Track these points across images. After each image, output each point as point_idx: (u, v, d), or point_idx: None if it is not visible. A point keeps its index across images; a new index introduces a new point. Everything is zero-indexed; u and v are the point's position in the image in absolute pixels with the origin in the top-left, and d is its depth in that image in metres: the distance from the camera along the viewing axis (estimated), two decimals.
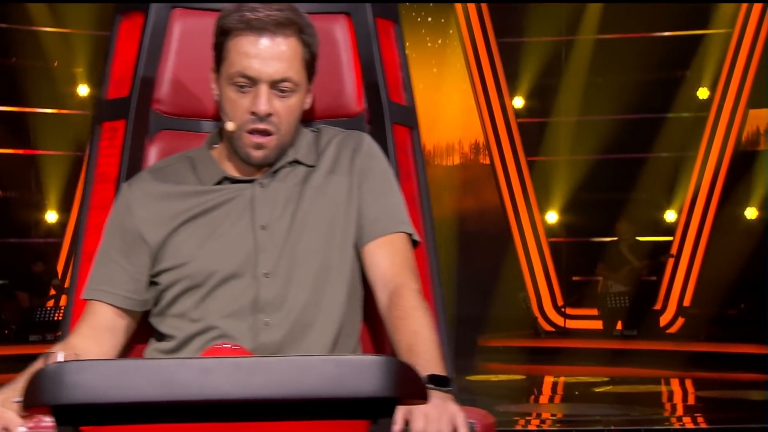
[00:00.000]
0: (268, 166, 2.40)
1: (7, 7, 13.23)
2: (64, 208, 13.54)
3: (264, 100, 2.31)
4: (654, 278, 13.46)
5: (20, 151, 13.72)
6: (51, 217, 13.87)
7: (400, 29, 2.74)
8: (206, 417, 1.67)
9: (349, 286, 2.39)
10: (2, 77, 13.44)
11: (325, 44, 2.54)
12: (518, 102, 14.42)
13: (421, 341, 2.27)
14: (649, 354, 11.74)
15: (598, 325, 13.09)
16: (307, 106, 2.42)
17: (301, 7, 2.39)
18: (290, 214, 2.37)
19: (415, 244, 2.47)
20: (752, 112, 13.53)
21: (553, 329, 13.56)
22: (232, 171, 2.41)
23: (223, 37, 2.34)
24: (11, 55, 13.63)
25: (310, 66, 2.38)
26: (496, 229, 14.27)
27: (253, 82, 2.31)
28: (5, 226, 13.43)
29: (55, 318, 11.99)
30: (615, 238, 13.53)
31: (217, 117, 2.48)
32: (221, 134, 2.45)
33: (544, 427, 7.17)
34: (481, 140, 14.70)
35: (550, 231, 14.26)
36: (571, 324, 13.61)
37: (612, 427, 7.18)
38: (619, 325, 12.78)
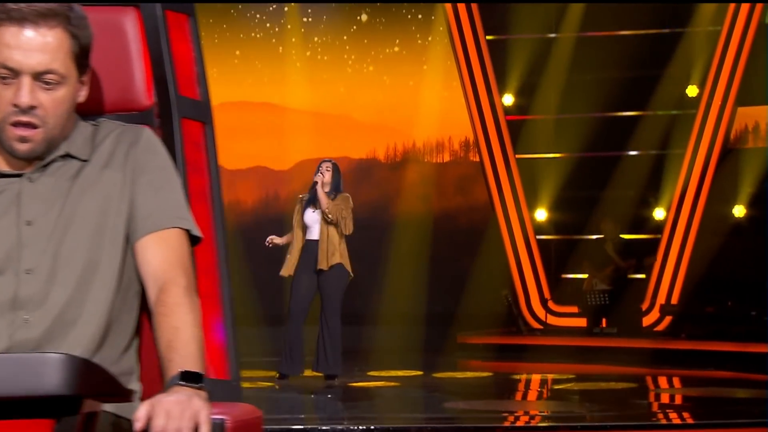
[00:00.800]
0: (39, 160, 2.37)
1: None
2: None
3: (26, 92, 2.29)
4: (643, 276, 13.42)
5: None
6: None
7: (196, 23, 2.71)
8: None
9: (118, 283, 2.36)
10: None
11: (113, 37, 2.53)
12: (508, 99, 14.38)
13: (180, 337, 2.25)
14: (627, 352, 11.72)
15: (582, 322, 13.06)
16: (81, 99, 2.40)
17: None
18: (58, 209, 2.34)
19: (196, 240, 2.45)
20: (740, 109, 13.46)
21: (541, 327, 13.53)
22: (1, 165, 2.39)
23: None
24: None
25: (80, 58, 2.35)
26: (485, 226, 14.25)
27: (15, 73, 2.29)
28: None
29: None
30: (600, 236, 13.50)
31: None
32: None
33: (487, 423, 7.16)
34: (471, 137, 14.67)
35: (539, 228, 14.23)
36: (557, 321, 13.58)
37: (570, 424, 7.17)
38: (602, 323, 12.76)
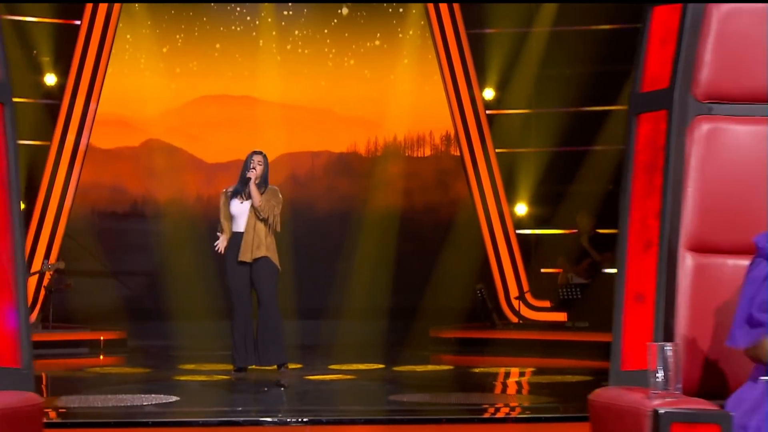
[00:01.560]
0: None
1: None
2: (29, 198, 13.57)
3: None
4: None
5: None
6: None
7: None
8: None
9: None
10: None
11: None
12: (489, 93, 14.36)
13: None
14: (599, 346, 11.65)
15: (560, 317, 13.03)
16: None
17: None
18: None
19: None
20: None
21: (519, 321, 13.49)
22: None
23: None
24: None
25: None
26: (465, 220, 14.24)
27: None
28: None
29: None
30: (575, 230, 13.47)
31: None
32: None
33: (422, 416, 7.14)
34: (452, 131, 14.64)
35: (518, 223, 14.20)
36: (534, 315, 13.55)
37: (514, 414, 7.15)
38: (574, 317, 12.75)
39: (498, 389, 9.47)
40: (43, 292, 12.71)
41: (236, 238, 9.06)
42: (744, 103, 2.82)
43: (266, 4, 14.84)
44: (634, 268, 2.86)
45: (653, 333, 2.80)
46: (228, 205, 9.18)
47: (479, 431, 6.83)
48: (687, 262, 2.83)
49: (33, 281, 12.75)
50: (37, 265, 12.75)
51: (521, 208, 14.25)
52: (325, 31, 14.99)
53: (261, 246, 8.97)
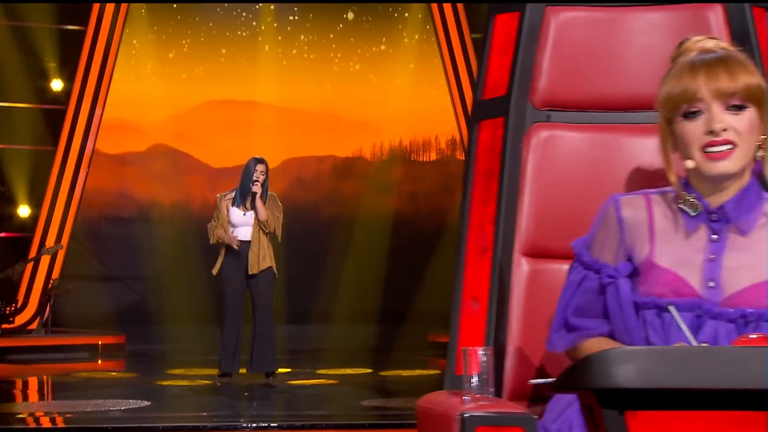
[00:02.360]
0: None
1: None
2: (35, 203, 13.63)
3: None
4: None
5: None
6: (23, 211, 13.95)
7: None
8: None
9: None
10: None
11: None
12: None
13: None
14: None
15: None
16: None
17: None
18: None
19: None
20: None
21: None
22: None
23: None
24: None
25: None
26: None
27: None
28: None
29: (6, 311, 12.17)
30: None
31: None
32: None
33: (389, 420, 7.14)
34: (458, 136, 14.62)
35: None
36: None
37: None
38: None
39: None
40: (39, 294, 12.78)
41: (239, 247, 9.06)
42: (582, 111, 2.80)
43: (272, 9, 14.89)
44: (471, 273, 2.85)
45: (485, 337, 2.79)
46: (226, 211, 9.16)
47: None
48: (522, 267, 2.82)
49: (38, 287, 12.86)
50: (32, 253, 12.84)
51: None
52: (331, 35, 15.03)
53: (266, 257, 9.05)
